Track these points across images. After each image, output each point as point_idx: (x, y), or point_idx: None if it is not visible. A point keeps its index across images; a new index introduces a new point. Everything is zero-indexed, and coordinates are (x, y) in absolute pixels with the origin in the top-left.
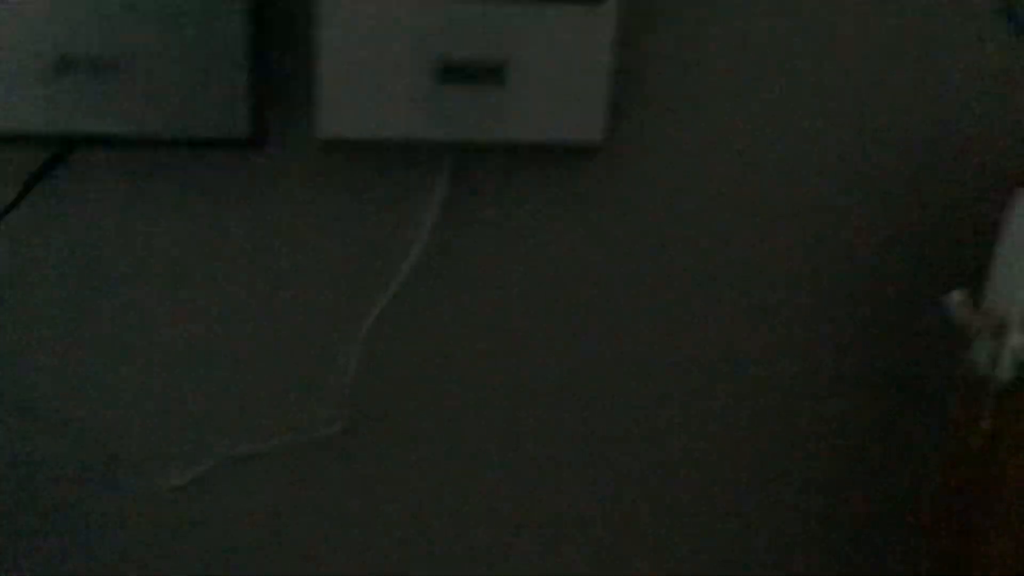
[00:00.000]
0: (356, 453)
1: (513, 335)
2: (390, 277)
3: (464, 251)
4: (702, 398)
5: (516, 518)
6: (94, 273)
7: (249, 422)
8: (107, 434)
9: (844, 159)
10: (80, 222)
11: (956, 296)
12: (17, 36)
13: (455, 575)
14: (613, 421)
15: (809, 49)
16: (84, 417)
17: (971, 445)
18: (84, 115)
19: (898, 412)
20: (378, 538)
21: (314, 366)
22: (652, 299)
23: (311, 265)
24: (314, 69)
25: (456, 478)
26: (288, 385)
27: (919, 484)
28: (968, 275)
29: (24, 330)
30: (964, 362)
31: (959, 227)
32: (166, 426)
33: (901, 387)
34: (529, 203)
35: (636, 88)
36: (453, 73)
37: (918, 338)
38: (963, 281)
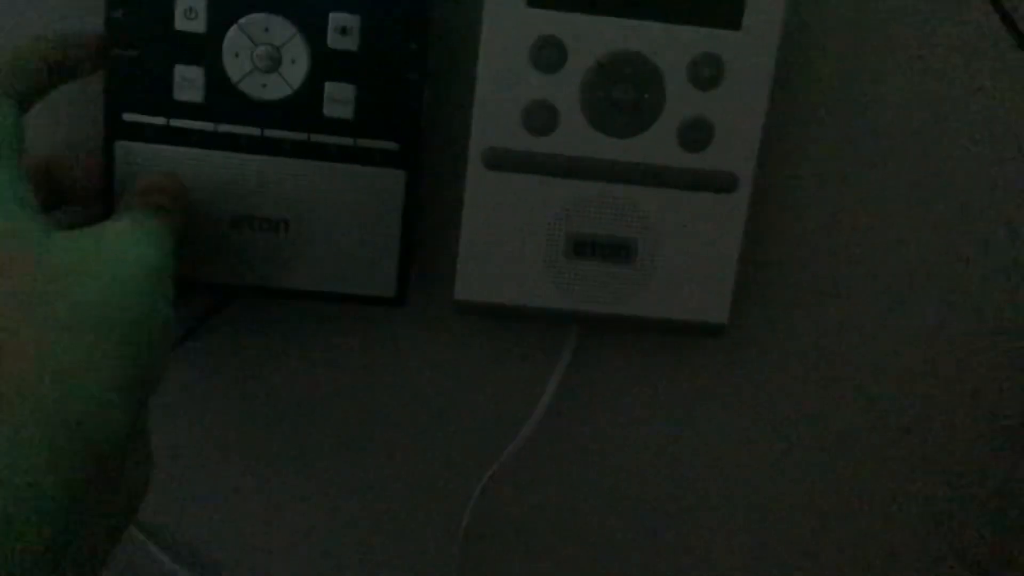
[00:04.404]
0: None
1: (624, 506)
2: (507, 439)
3: (584, 418)
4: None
5: None
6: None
7: (359, 569)
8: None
9: (976, 349)
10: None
11: None
12: None
13: None
14: None
15: (939, 234)
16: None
17: None
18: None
19: None
20: None
21: (429, 520)
22: (772, 483)
23: (432, 419)
24: (457, 239)
25: None
26: (401, 536)
27: None
28: None
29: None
30: None
31: None
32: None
33: None
34: (650, 378)
35: (764, 272)
36: (584, 248)
37: None
38: None
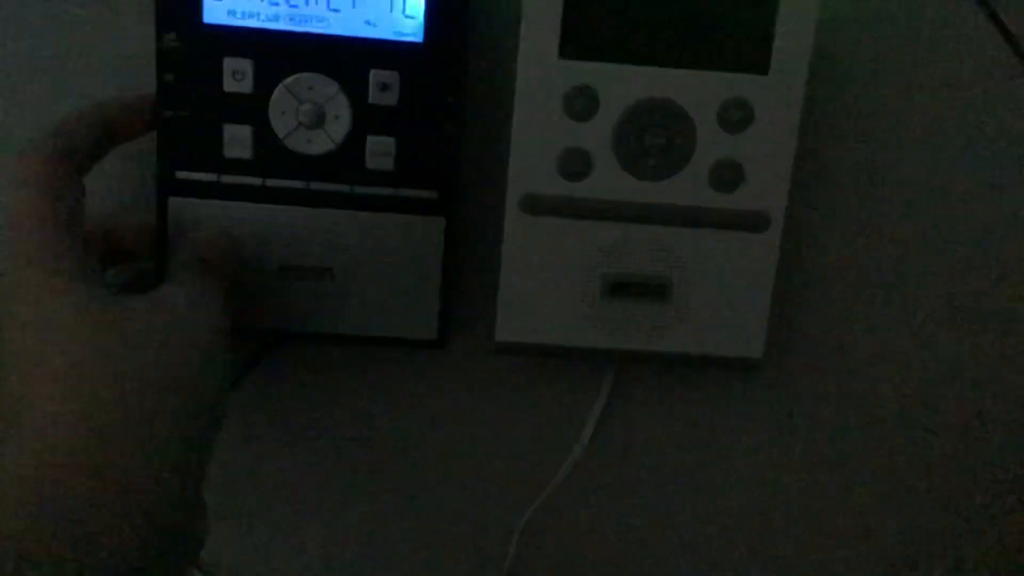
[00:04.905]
0: None
1: (664, 540)
2: (548, 475)
3: (623, 453)
4: None
5: None
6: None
7: None
8: None
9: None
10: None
11: None
12: None
13: None
14: None
15: (971, 267)
16: None
17: None
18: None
19: None
20: None
21: (471, 557)
22: (809, 513)
23: (473, 458)
24: (496, 282)
25: None
26: (442, 574)
27: None
28: None
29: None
30: None
31: None
32: None
33: None
34: (687, 414)
35: (798, 307)
36: (621, 288)
37: None
38: None
